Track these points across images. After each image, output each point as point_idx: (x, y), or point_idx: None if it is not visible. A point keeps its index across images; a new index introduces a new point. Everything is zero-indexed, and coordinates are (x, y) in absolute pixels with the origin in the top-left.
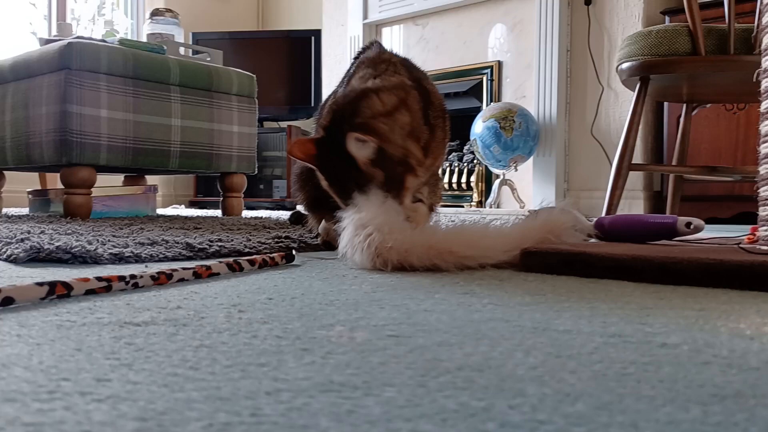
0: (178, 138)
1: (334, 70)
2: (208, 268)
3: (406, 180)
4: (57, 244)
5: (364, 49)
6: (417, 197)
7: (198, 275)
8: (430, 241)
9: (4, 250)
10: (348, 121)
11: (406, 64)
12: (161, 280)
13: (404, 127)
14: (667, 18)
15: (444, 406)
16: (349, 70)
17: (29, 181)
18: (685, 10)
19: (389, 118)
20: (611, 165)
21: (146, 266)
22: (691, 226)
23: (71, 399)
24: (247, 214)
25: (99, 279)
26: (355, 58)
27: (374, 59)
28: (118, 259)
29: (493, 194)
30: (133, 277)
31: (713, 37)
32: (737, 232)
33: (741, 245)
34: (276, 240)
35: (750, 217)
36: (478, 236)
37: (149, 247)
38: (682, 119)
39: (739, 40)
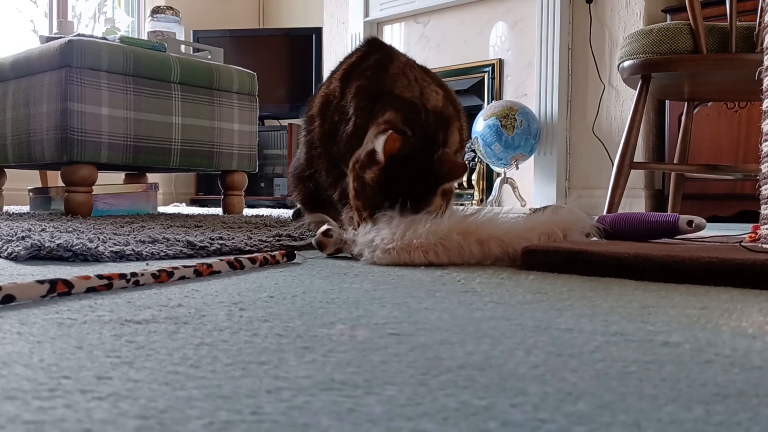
0: (178, 136)
1: None
2: (209, 266)
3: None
4: (58, 241)
5: (367, 47)
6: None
7: (199, 273)
8: (468, 228)
9: (5, 247)
10: (442, 146)
11: (425, 70)
12: (162, 278)
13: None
14: (668, 16)
15: (445, 405)
16: (353, 63)
17: (30, 178)
18: (686, 8)
19: (460, 152)
20: (612, 163)
21: (147, 264)
22: (693, 225)
23: (72, 397)
24: (248, 212)
25: (100, 277)
26: (360, 58)
27: (399, 62)
28: (119, 257)
29: (494, 192)
30: (134, 275)
31: (715, 35)
32: (739, 230)
33: (743, 244)
34: (277, 238)
35: (751, 216)
36: (503, 224)
37: (150, 245)
38: (683, 117)
39: (741, 38)
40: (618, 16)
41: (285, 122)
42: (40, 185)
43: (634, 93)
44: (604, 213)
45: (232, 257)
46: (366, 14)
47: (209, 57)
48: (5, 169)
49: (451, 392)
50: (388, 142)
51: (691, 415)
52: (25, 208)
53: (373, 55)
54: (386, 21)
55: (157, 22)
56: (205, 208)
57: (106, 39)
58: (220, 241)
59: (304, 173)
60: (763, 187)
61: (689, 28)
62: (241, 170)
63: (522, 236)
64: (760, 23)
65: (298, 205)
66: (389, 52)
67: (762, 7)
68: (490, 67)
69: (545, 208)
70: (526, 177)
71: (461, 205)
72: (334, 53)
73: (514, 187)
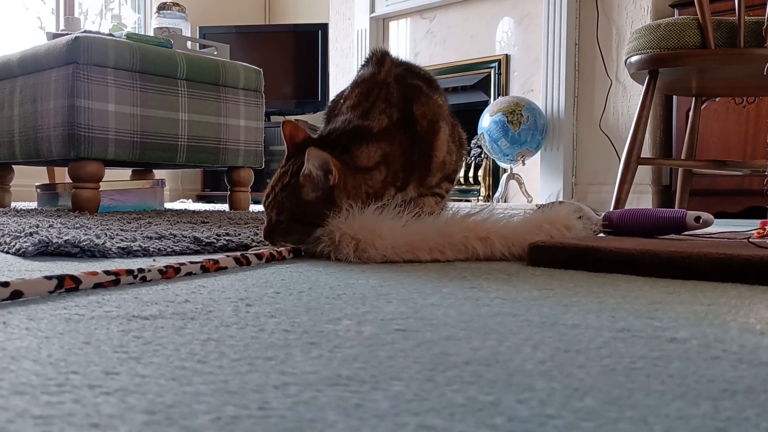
0: (185, 132)
1: (340, 64)
2: (216, 262)
3: (314, 222)
4: (65, 237)
5: (368, 61)
6: (434, 191)
7: (206, 269)
8: (469, 225)
9: (13, 243)
10: (339, 150)
11: (400, 82)
12: (169, 273)
13: (372, 186)
14: (676, 11)
15: (452, 401)
16: (355, 80)
17: (37, 175)
18: (694, 2)
19: (364, 175)
20: (620, 159)
21: (154, 260)
22: (700, 221)
23: (80, 392)
24: (254, 208)
25: (107, 273)
26: (363, 66)
27: (369, 81)
28: (126, 253)
29: (500, 188)
30: (141, 270)
31: (723, 30)
32: (746, 226)
33: (750, 240)
34: None
35: (759, 212)
36: (504, 221)
37: (157, 241)
38: (691, 113)
39: (750, 33)
40: (625, 11)
41: (291, 118)
42: (47, 181)
43: (642, 88)
44: (611, 209)
45: (238, 253)
46: (372, 10)
47: (215, 53)
48: (13, 166)
49: (457, 388)
50: (287, 128)
51: (698, 411)
52: (33, 205)
53: (363, 68)
54: (392, 17)
55: (164, 19)
56: (212, 205)
57: (113, 35)
58: (227, 237)
59: None
60: None
61: (697, 23)
62: (247, 166)
63: (525, 232)
64: None
65: None
66: (371, 69)
67: None
68: (497, 63)
69: (552, 203)
70: (532, 173)
71: (467, 201)
72: (339, 49)
73: (520, 183)
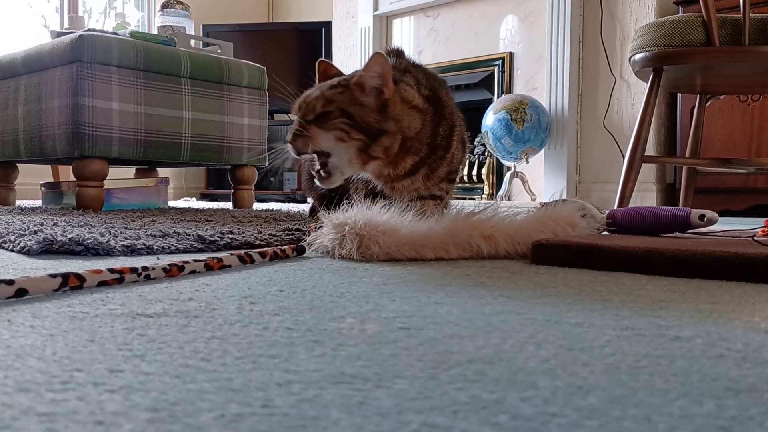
0: (189, 130)
1: (344, 62)
2: (220, 260)
3: (379, 141)
4: (70, 236)
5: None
6: (434, 193)
7: (209, 267)
8: (473, 224)
9: (17, 241)
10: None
11: (424, 71)
12: (173, 272)
13: (409, 128)
14: (680, 8)
15: (455, 399)
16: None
17: (42, 173)
18: (699, 0)
19: (407, 108)
20: (624, 157)
21: (158, 258)
22: (705, 219)
23: (84, 389)
24: (257, 206)
25: (111, 271)
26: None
27: (394, 69)
28: (130, 251)
29: (504, 187)
30: (145, 269)
31: (728, 27)
32: (751, 224)
33: (755, 238)
34: (287, 232)
35: (764, 210)
36: (508, 220)
37: (161, 239)
38: (695, 111)
39: (754, 30)
40: (629, 8)
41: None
42: (51, 180)
43: (646, 86)
44: (615, 207)
45: (242, 251)
46: (375, 8)
47: (219, 51)
48: (17, 164)
49: (461, 386)
50: (322, 66)
51: (702, 409)
52: (38, 203)
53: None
54: (396, 14)
55: (167, 17)
56: (215, 203)
57: (117, 34)
58: (230, 236)
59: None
60: None
61: (701, 21)
62: (250, 165)
63: (529, 230)
64: None
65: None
66: (391, 61)
67: None
68: (500, 61)
69: (556, 202)
70: (536, 171)
71: (471, 199)
72: (343, 47)
73: (524, 182)
